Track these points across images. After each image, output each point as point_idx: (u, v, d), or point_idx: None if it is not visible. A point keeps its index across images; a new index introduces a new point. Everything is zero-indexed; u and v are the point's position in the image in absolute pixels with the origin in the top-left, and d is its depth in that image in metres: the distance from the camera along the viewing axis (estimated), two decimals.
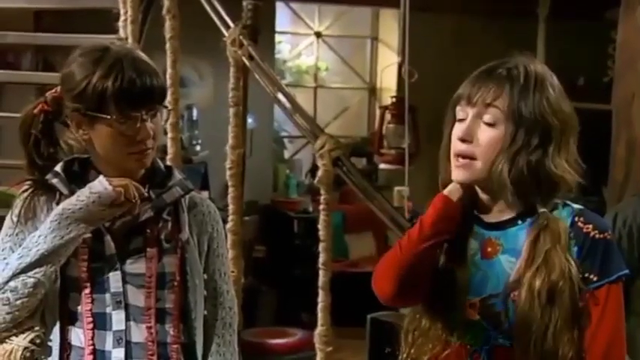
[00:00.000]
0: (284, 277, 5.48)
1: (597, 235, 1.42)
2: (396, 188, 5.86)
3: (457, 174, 1.46)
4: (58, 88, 1.61)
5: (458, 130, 1.46)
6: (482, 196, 1.49)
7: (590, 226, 1.43)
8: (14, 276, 1.51)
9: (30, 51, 4.82)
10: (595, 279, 1.41)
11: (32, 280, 1.51)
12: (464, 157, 1.44)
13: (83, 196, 1.53)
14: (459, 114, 1.46)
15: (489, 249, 1.49)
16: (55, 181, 1.58)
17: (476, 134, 1.43)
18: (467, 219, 1.51)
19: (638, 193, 2.16)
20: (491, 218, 1.50)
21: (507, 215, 1.48)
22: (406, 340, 1.58)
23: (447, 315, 1.50)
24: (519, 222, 1.46)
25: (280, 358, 4.42)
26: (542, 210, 1.43)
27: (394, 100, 5.66)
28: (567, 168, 1.43)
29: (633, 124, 2.26)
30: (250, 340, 4.29)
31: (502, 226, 1.48)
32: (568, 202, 1.47)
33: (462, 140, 1.44)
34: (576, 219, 1.44)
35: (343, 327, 3.79)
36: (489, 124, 1.42)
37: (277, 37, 6.64)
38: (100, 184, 1.53)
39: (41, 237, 1.52)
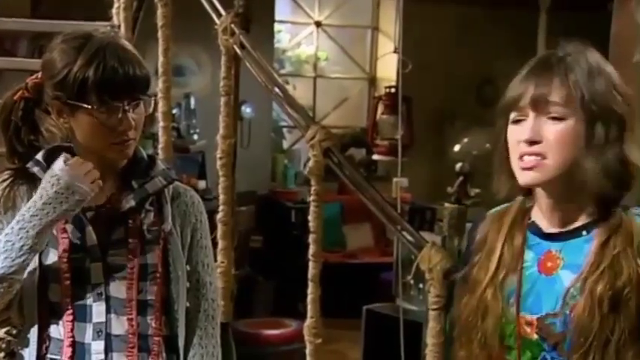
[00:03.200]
0: (281, 268, 5.47)
1: None
2: (395, 179, 5.86)
3: (525, 176, 1.31)
4: (39, 74, 1.59)
5: (519, 132, 1.31)
6: (545, 201, 1.36)
7: None
8: None
9: (26, 38, 4.80)
10: None
11: (8, 282, 1.49)
12: (532, 158, 1.30)
13: (66, 203, 1.49)
14: (516, 116, 1.32)
15: (549, 263, 1.36)
16: (35, 169, 1.56)
17: (543, 132, 1.29)
18: (520, 226, 1.40)
19: None
20: (550, 227, 1.37)
21: (571, 224, 1.35)
22: (458, 344, 1.46)
23: (501, 330, 1.38)
24: (584, 233, 1.34)
25: (275, 349, 4.41)
26: (613, 210, 1.31)
27: (388, 90, 5.63)
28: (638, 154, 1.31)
29: None
30: (245, 331, 4.28)
31: (564, 237, 1.35)
32: (636, 208, 1.35)
33: (530, 142, 1.29)
34: None
35: (339, 318, 3.80)
36: (558, 119, 1.28)
37: (277, 27, 6.61)
38: (80, 187, 1.49)
39: (25, 247, 1.48)
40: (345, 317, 4.23)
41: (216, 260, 2.48)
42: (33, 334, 1.55)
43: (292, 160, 6.53)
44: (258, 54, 2.58)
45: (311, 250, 2.43)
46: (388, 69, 6.64)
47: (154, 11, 2.94)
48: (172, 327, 1.62)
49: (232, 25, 2.58)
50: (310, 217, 2.43)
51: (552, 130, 1.29)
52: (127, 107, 1.50)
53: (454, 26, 6.21)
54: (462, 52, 5.83)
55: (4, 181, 1.58)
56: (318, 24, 6.89)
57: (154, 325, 1.59)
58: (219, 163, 2.67)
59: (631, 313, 1.27)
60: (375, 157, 5.80)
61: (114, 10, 3.11)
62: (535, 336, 1.35)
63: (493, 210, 1.49)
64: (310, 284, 2.45)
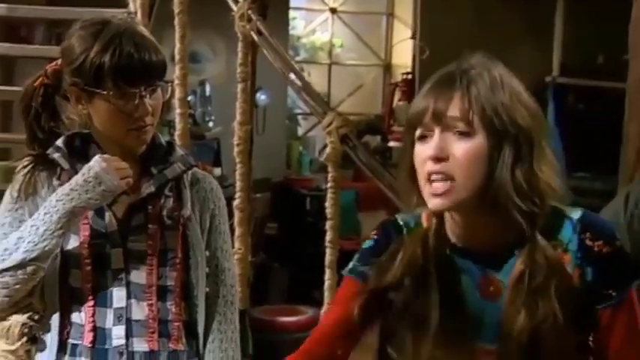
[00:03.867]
0: (296, 255, 5.48)
1: (609, 250, 1.27)
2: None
3: (435, 202, 1.24)
4: (59, 61, 1.59)
5: (426, 148, 1.24)
6: (463, 219, 1.28)
7: (601, 242, 1.26)
8: (15, 267, 1.49)
9: (42, 25, 4.80)
10: (614, 294, 1.27)
11: (32, 267, 1.50)
12: (439, 178, 1.23)
13: (92, 192, 1.50)
14: (422, 132, 1.25)
15: (491, 288, 1.29)
16: (56, 155, 1.57)
17: (450, 149, 1.22)
18: (444, 253, 1.31)
19: None
20: (479, 249, 1.30)
21: (499, 245, 1.28)
22: None
23: None
24: (515, 252, 1.27)
25: (291, 336, 4.41)
26: (528, 235, 1.25)
27: (405, 76, 5.61)
28: (553, 174, 1.25)
29: None
30: (260, 318, 4.29)
31: (497, 258, 1.29)
32: (564, 211, 1.29)
33: (436, 159, 1.22)
34: (582, 236, 1.27)
35: None
36: (464, 134, 1.22)
37: (291, 13, 6.59)
38: (108, 179, 1.51)
39: (47, 231, 1.49)
40: None
41: (233, 247, 2.49)
42: (54, 319, 1.56)
43: (307, 148, 6.53)
44: (275, 40, 2.57)
45: (328, 236, 2.43)
46: (403, 55, 6.61)
47: None
48: (192, 312, 1.62)
49: (249, 12, 2.58)
50: (327, 204, 2.43)
51: (459, 147, 1.22)
52: (143, 93, 1.50)
53: (471, 12, 6.16)
54: (479, 38, 5.78)
55: (24, 167, 1.59)
56: (333, 10, 6.87)
57: (173, 310, 1.59)
58: (236, 149, 2.68)
59: (551, 348, 1.25)
60: (392, 144, 5.77)
61: None
62: None
63: (404, 220, 1.38)
64: (327, 271, 2.46)
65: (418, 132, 1.27)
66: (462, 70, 1.27)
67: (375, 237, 1.41)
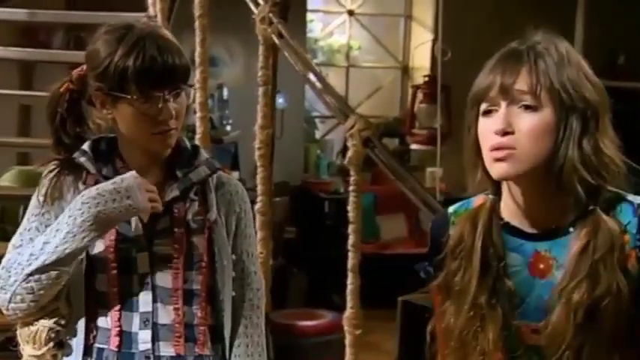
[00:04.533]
0: (315, 259, 5.47)
1: None
2: (428, 169, 5.80)
3: (498, 168, 1.24)
4: (84, 67, 1.59)
5: (490, 123, 1.25)
6: (522, 199, 1.29)
7: None
8: (37, 270, 1.49)
9: (61, 29, 4.83)
10: None
11: (56, 272, 1.49)
12: (504, 151, 1.24)
13: (118, 202, 1.49)
14: (487, 107, 1.27)
15: (541, 265, 1.29)
16: (82, 159, 1.57)
17: (516, 123, 1.23)
18: (491, 233, 1.32)
19: None
20: (531, 227, 1.30)
21: (554, 223, 1.29)
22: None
23: (492, 349, 1.30)
24: (571, 229, 1.27)
25: (310, 341, 4.40)
26: (591, 208, 1.25)
27: (427, 79, 5.58)
28: (616, 150, 1.26)
29: None
30: (280, 322, 4.28)
31: (551, 236, 1.29)
32: (624, 195, 1.28)
33: (503, 133, 1.23)
34: None
35: (374, 309, 3.78)
36: (531, 108, 1.23)
37: (309, 16, 6.58)
38: (137, 196, 1.50)
39: (69, 234, 1.49)
40: (379, 308, 4.21)
41: None
42: (80, 324, 1.56)
43: (325, 151, 6.51)
44: (296, 43, 2.57)
45: (350, 240, 2.42)
46: (422, 58, 6.58)
47: (189, 1, 2.94)
48: (218, 316, 1.61)
49: (270, 15, 2.58)
50: (349, 207, 2.42)
51: (525, 121, 1.23)
52: (167, 97, 1.50)
53: (491, 14, 6.13)
54: (499, 40, 5.75)
55: (50, 171, 1.59)
56: (350, 13, 6.85)
57: (199, 314, 1.58)
58: (257, 153, 2.67)
59: (607, 322, 1.24)
60: (413, 146, 5.75)
61: (149, 1, 3.13)
62: (543, 342, 1.29)
63: (455, 208, 1.42)
64: (350, 274, 2.45)
65: (483, 106, 1.28)
66: (528, 45, 1.28)
67: (430, 237, 1.44)
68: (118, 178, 1.52)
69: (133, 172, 1.52)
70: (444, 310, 1.37)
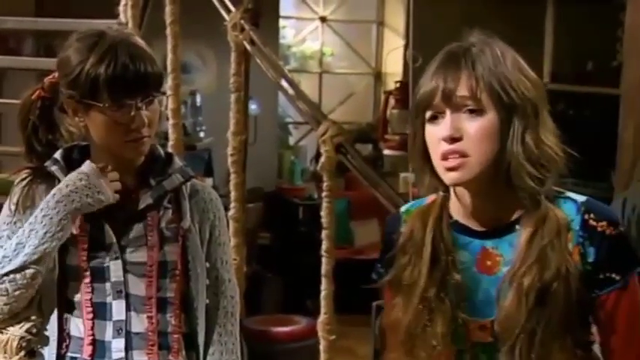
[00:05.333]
0: (289, 265, 5.47)
1: (613, 232, 1.28)
2: (402, 175, 5.83)
3: (451, 176, 1.26)
4: (56, 74, 1.58)
5: (439, 129, 1.26)
6: (470, 200, 1.31)
7: (604, 223, 1.28)
8: (13, 271, 1.48)
9: (31, 36, 4.79)
10: (618, 277, 1.28)
11: (31, 271, 1.48)
12: (454, 157, 1.25)
13: (91, 197, 1.50)
14: (433, 113, 1.28)
15: (488, 262, 1.32)
16: (53, 168, 1.56)
17: (463, 128, 1.25)
18: (441, 229, 1.34)
19: None
20: (480, 225, 1.33)
21: (502, 221, 1.31)
22: (402, 352, 1.37)
23: (440, 343, 1.32)
24: (517, 227, 1.30)
25: (284, 346, 4.40)
26: (537, 199, 1.27)
27: (398, 84, 5.61)
28: (555, 143, 1.28)
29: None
30: (254, 328, 4.27)
31: (498, 234, 1.31)
32: (568, 194, 1.32)
33: (451, 139, 1.25)
34: (586, 217, 1.29)
35: (348, 315, 3.79)
36: (476, 112, 1.25)
37: (281, 22, 6.59)
38: (106, 189, 1.52)
39: (48, 234, 1.49)
40: (354, 313, 4.23)
41: None
42: (53, 332, 1.55)
43: (298, 157, 6.52)
44: (268, 50, 2.57)
45: (324, 245, 2.43)
46: (394, 64, 6.62)
47: (160, 8, 2.94)
48: (192, 324, 1.61)
49: (242, 21, 2.58)
50: (322, 213, 2.43)
51: (471, 126, 1.25)
52: (139, 104, 1.49)
53: (461, 20, 6.18)
54: None
55: (22, 180, 1.58)
56: (323, 19, 6.87)
57: (173, 322, 1.58)
58: (230, 159, 2.67)
59: (559, 305, 1.26)
60: (386, 152, 5.77)
61: (121, 8, 3.11)
62: (490, 339, 1.32)
63: (407, 207, 1.44)
64: (323, 280, 2.45)
65: (428, 114, 1.29)
66: (464, 49, 1.29)
67: (382, 236, 1.46)
68: (82, 175, 1.51)
69: (92, 165, 1.53)
70: (393, 304, 1.38)
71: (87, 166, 1.53)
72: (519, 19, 4.96)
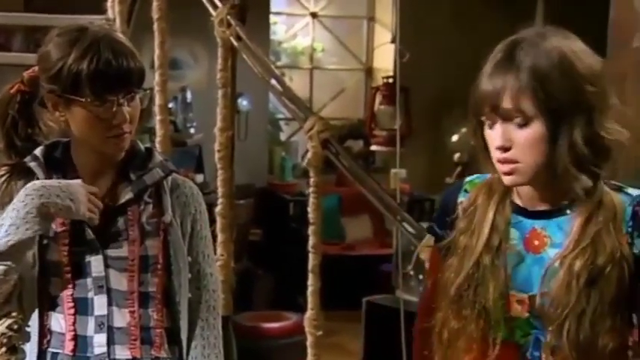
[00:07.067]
0: (280, 261, 5.47)
1: None
2: (393, 170, 5.84)
3: (507, 180, 1.35)
4: (36, 68, 1.58)
5: (493, 136, 1.33)
6: (526, 190, 1.38)
7: None
8: None
9: (21, 32, 4.77)
10: None
11: (2, 267, 1.47)
12: (507, 163, 1.33)
13: (61, 200, 1.48)
14: (486, 120, 1.35)
15: (536, 242, 1.37)
16: (33, 164, 1.55)
17: (513, 138, 1.31)
18: (503, 205, 1.40)
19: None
20: (532, 207, 1.39)
21: (553, 204, 1.36)
22: (439, 341, 1.44)
23: (486, 311, 1.37)
24: (568, 211, 1.35)
25: (275, 342, 4.41)
26: (595, 187, 1.31)
27: (385, 80, 5.61)
28: (617, 127, 1.31)
29: (625, 105, 2.22)
30: (245, 324, 4.28)
31: (548, 215, 1.37)
32: (623, 187, 1.35)
33: (502, 149, 1.32)
34: (637, 208, 1.32)
35: (339, 310, 3.79)
36: (522, 125, 1.30)
37: (272, 18, 6.59)
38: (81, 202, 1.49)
39: (12, 226, 1.46)
40: (344, 309, 4.23)
41: (215, 253, 2.47)
42: (34, 328, 1.55)
43: (289, 153, 6.52)
44: (255, 46, 2.57)
45: (311, 241, 2.43)
46: (385, 59, 6.62)
47: (150, 3, 2.92)
48: (174, 318, 1.61)
49: (228, 17, 2.57)
50: (310, 209, 2.43)
51: (520, 136, 1.30)
52: (121, 100, 1.49)
53: (451, 16, 6.19)
54: (459, 41, 5.82)
55: (1, 176, 1.57)
56: (313, 15, 6.87)
57: (155, 316, 1.58)
58: (217, 155, 2.67)
59: (610, 288, 1.29)
60: (374, 147, 5.78)
61: (108, 4, 3.10)
62: (526, 314, 1.36)
63: (471, 178, 1.50)
64: (310, 276, 2.45)
65: (483, 119, 1.35)
66: (512, 49, 1.31)
67: (440, 201, 1.54)
68: (64, 182, 1.51)
69: (79, 181, 1.52)
70: (448, 265, 1.43)
71: (76, 181, 1.51)
72: (508, 16, 4.96)
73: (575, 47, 1.31)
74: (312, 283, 2.44)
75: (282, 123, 6.80)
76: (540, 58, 1.28)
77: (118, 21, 2.97)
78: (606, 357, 1.31)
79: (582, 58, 1.30)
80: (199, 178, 5.26)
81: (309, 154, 2.39)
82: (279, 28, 6.85)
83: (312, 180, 2.41)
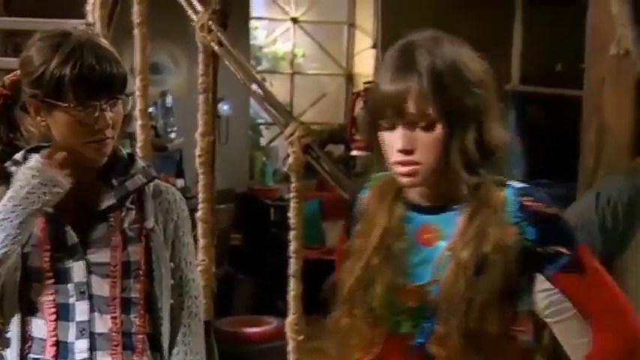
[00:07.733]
0: (261, 265, 5.46)
1: (551, 211, 1.36)
2: (374, 175, 5.87)
3: (404, 180, 1.37)
4: (17, 72, 1.57)
5: (393, 139, 1.34)
6: (420, 188, 1.42)
7: (541, 203, 1.36)
8: None
9: None
10: (566, 250, 1.35)
11: None
12: (407, 165, 1.35)
13: (49, 194, 1.49)
14: (386, 123, 1.35)
15: (426, 235, 1.42)
16: (13, 169, 1.55)
17: (416, 140, 1.33)
18: (396, 204, 1.44)
19: (613, 172, 2.16)
20: (423, 203, 1.43)
21: (443, 201, 1.41)
22: (335, 339, 1.52)
23: (377, 304, 1.42)
24: (456, 206, 1.40)
25: (256, 347, 4.39)
26: (477, 182, 1.36)
27: (367, 85, 5.61)
28: (501, 131, 1.36)
29: (603, 110, 2.25)
30: (226, 330, 4.26)
31: (439, 211, 1.41)
32: (510, 182, 1.40)
33: (404, 151, 1.34)
34: (522, 199, 1.37)
35: (321, 315, 3.78)
36: (426, 128, 1.32)
37: (253, 23, 6.59)
38: (60, 180, 1.50)
39: (9, 237, 1.47)
40: (326, 314, 4.23)
41: (196, 258, 2.47)
42: (15, 334, 1.54)
43: (270, 158, 6.52)
44: (236, 51, 2.57)
45: (292, 246, 2.43)
46: (365, 65, 6.65)
47: (130, 8, 2.92)
48: (156, 324, 1.61)
49: (210, 22, 2.58)
50: (291, 214, 2.43)
51: (424, 139, 1.33)
52: (103, 106, 1.49)
53: (430, 22, 6.20)
54: None
55: None
56: (294, 20, 6.88)
57: (137, 322, 1.58)
58: (198, 160, 2.67)
59: (496, 277, 1.34)
60: (354, 152, 5.80)
61: (88, 8, 3.09)
62: (418, 304, 1.40)
63: (377, 175, 1.52)
64: (292, 280, 2.45)
65: (382, 122, 1.35)
66: (411, 52, 1.34)
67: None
68: (34, 171, 1.50)
69: (39, 158, 1.51)
70: (343, 267, 1.49)
71: (34, 161, 1.51)
72: (488, 21, 5.01)
73: (463, 53, 1.36)
74: (293, 287, 2.45)
75: (262, 128, 6.80)
76: (438, 63, 1.32)
77: (98, 25, 2.96)
78: (493, 344, 1.36)
79: (469, 64, 1.35)
80: (180, 182, 5.25)
81: (290, 159, 2.39)
82: (259, 33, 6.86)
83: (293, 185, 2.41)
